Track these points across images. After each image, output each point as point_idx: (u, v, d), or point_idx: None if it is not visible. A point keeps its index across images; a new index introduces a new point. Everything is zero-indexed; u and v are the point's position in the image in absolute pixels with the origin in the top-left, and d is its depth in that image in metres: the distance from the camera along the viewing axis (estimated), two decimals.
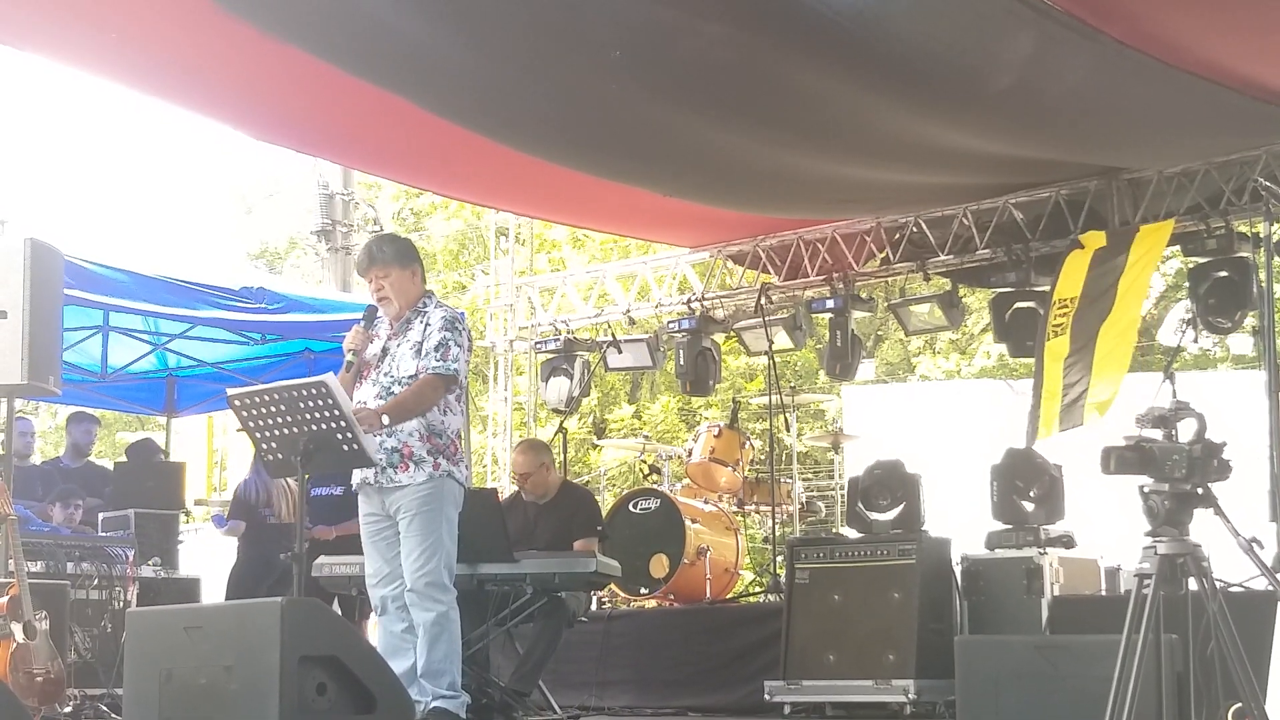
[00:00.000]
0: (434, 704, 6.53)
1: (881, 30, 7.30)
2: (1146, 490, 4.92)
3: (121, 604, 8.93)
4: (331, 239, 18.07)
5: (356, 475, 6.75)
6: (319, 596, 7.69)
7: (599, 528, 8.67)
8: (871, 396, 16.80)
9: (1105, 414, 9.08)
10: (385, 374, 6.72)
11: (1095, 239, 9.77)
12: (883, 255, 11.47)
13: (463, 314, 7.01)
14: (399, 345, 6.74)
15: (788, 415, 11.93)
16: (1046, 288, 10.39)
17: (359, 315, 6.96)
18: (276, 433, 6.37)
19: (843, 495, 11.34)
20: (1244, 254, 9.61)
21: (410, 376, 6.64)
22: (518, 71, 8.08)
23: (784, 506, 11.20)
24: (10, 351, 7.52)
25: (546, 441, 9.78)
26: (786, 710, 8.36)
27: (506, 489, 12.29)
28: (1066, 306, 9.57)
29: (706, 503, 10.95)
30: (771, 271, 12.01)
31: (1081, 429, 9.30)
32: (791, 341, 11.93)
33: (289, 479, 10.42)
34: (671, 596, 10.35)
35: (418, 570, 6.54)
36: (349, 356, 6.76)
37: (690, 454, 11.35)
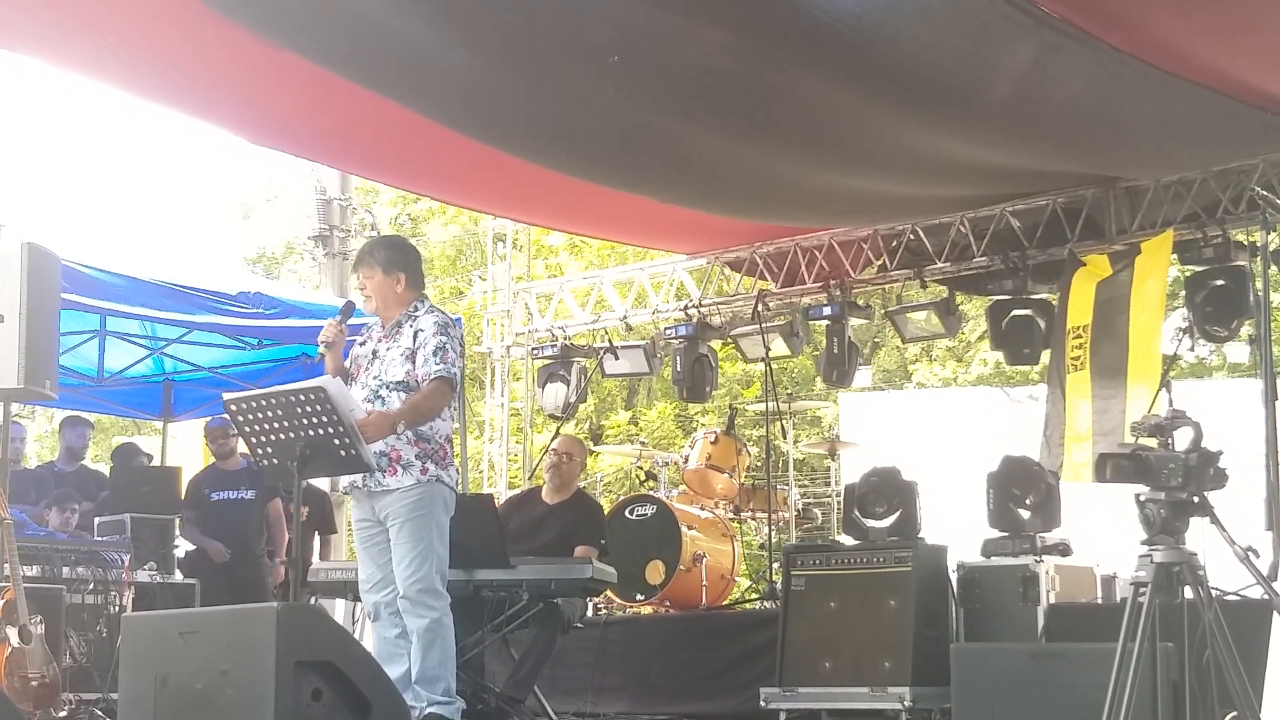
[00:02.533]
0: (429, 710, 6.53)
1: (881, 38, 7.30)
2: (1143, 499, 4.92)
3: (117, 608, 8.91)
4: (329, 244, 18.04)
5: (344, 480, 6.75)
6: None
7: (601, 540, 8.68)
8: (868, 404, 16.80)
9: None
10: (374, 377, 6.73)
11: (1099, 264, 9.77)
12: (880, 263, 11.49)
13: (458, 319, 7.02)
14: (389, 349, 6.76)
15: (784, 422, 11.93)
16: (1044, 295, 10.41)
17: (355, 320, 6.98)
18: (273, 438, 6.37)
19: (839, 502, 11.35)
20: (1241, 263, 9.62)
21: (398, 382, 6.65)
22: (515, 77, 8.09)
23: (780, 513, 11.20)
24: (7, 355, 7.51)
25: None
26: (782, 717, 8.34)
27: (504, 495, 12.30)
28: (1081, 336, 9.56)
29: (703, 509, 10.95)
30: (769, 278, 12.02)
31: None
32: (788, 348, 11.93)
33: None
34: (667, 603, 10.35)
35: (410, 577, 6.54)
36: (321, 349, 6.79)
37: (687, 460, 11.36)
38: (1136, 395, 9.18)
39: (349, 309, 6.90)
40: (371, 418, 6.47)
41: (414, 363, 6.66)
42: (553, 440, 9.63)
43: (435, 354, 6.64)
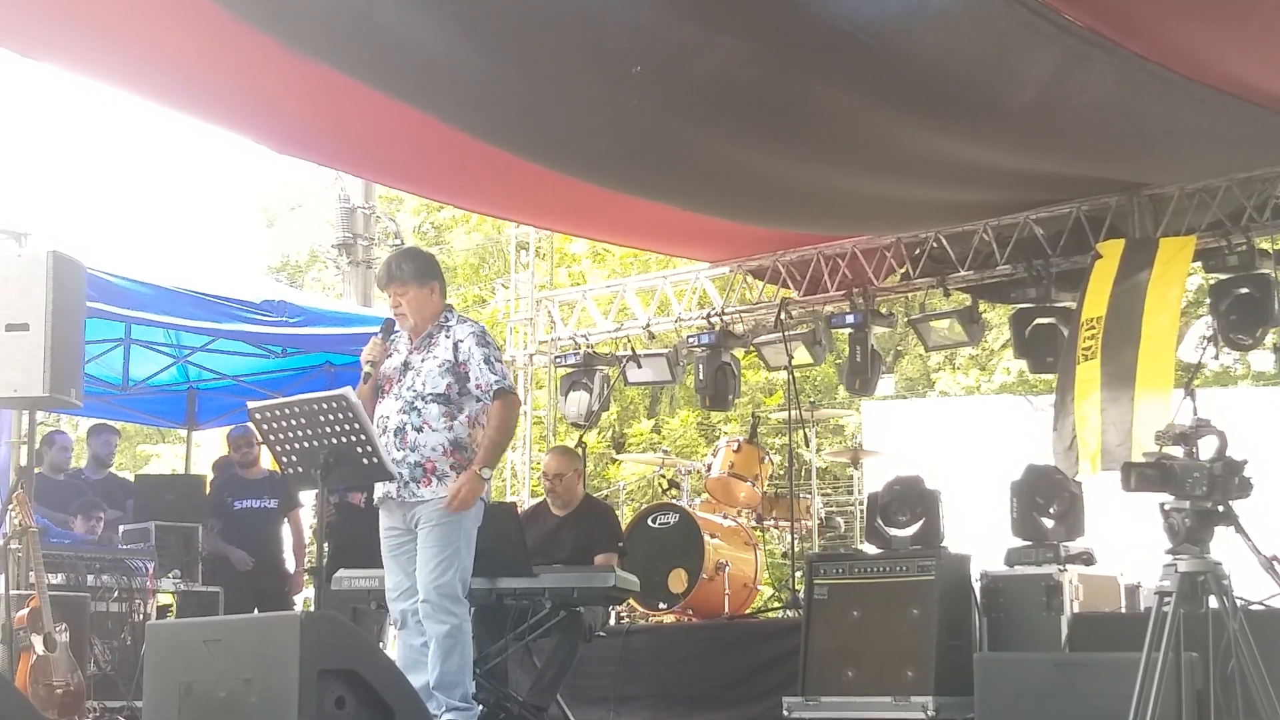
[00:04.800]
0: (446, 715, 6.55)
1: (903, 46, 7.30)
2: (1167, 508, 4.92)
3: (141, 616, 8.95)
4: (352, 252, 18.12)
5: (379, 489, 6.76)
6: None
7: (620, 544, 8.68)
8: (891, 412, 16.81)
9: None
10: (409, 388, 6.73)
11: (1115, 247, 9.71)
12: (903, 270, 11.47)
13: (483, 327, 7.06)
14: (423, 360, 6.77)
15: (807, 430, 11.94)
16: (1067, 304, 10.36)
17: (379, 329, 7.00)
18: (297, 446, 6.39)
19: (862, 511, 11.34)
20: (1265, 270, 9.58)
21: (439, 394, 6.68)
22: (538, 86, 8.10)
23: (803, 522, 11.19)
24: (32, 363, 7.54)
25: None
26: None
27: (526, 503, 12.31)
28: (1094, 327, 9.50)
29: (725, 518, 10.94)
30: (791, 286, 12.01)
31: None
32: (811, 357, 11.91)
33: None
34: (690, 612, 10.34)
35: (433, 582, 6.56)
36: (366, 368, 6.82)
37: (709, 469, 11.35)
38: (1146, 399, 9.12)
39: (389, 327, 6.91)
40: (462, 480, 6.56)
41: (456, 375, 6.70)
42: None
43: (486, 365, 6.71)
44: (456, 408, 6.70)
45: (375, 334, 6.93)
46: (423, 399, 6.68)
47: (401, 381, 6.77)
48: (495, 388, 6.69)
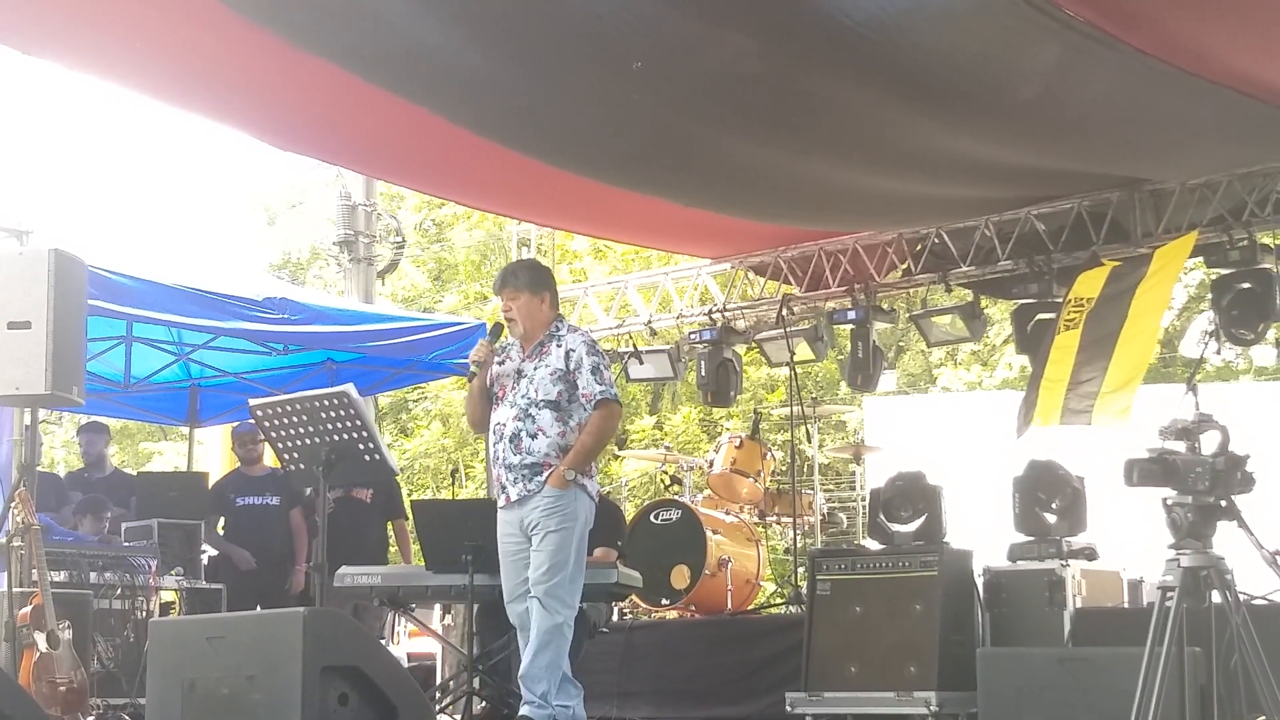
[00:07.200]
0: (522, 710, 6.71)
1: (905, 41, 7.30)
2: (1170, 503, 4.92)
3: (144, 614, 8.95)
4: (354, 250, 18.09)
5: (502, 498, 6.90)
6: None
7: (619, 542, 8.68)
8: (893, 408, 16.78)
9: (1127, 419, 9.05)
10: (523, 396, 6.92)
11: (1111, 265, 9.77)
12: (904, 266, 11.46)
13: (593, 336, 7.23)
14: (535, 368, 6.95)
15: (809, 426, 11.92)
16: None
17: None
18: (299, 442, 6.41)
19: (864, 507, 11.32)
20: (1267, 266, 9.60)
21: (551, 401, 6.85)
22: (539, 82, 8.10)
23: (805, 518, 11.19)
24: (34, 361, 7.53)
25: None
26: None
27: None
28: (1081, 305, 9.57)
29: (728, 514, 10.95)
30: (793, 282, 12.01)
31: (1104, 439, 9.27)
32: (813, 352, 11.92)
33: None
34: (693, 607, 10.35)
35: (540, 581, 6.74)
36: (472, 368, 7.06)
37: (711, 465, 11.35)
38: (1117, 382, 9.15)
39: (497, 331, 7.12)
40: (552, 478, 6.73)
41: (567, 383, 6.89)
42: None
43: (593, 374, 6.91)
44: (567, 414, 6.90)
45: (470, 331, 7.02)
46: (535, 405, 6.87)
47: (516, 389, 6.96)
48: (599, 397, 6.89)
